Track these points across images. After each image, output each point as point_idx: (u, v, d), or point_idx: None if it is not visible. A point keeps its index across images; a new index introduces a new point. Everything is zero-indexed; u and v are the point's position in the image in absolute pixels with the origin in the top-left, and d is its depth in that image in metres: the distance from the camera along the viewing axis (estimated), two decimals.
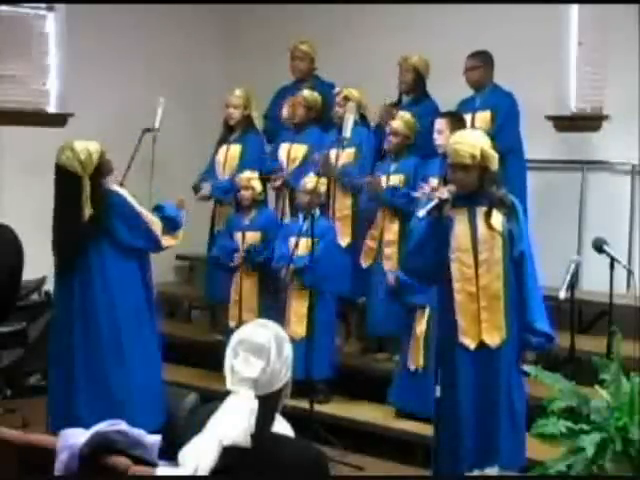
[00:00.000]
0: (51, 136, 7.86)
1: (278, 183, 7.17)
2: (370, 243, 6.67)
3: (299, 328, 6.33)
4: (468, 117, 6.59)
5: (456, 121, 6.11)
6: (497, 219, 4.66)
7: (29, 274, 6.99)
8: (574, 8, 7.25)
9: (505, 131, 6.51)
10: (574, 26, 7.27)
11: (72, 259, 5.27)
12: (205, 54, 8.83)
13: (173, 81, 8.37)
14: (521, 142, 6.61)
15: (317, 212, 6.45)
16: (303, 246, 6.25)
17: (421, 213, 4.61)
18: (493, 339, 4.68)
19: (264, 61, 8.40)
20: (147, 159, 6.94)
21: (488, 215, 4.66)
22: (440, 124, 6.11)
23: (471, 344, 4.72)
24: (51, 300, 7.47)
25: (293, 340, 6.01)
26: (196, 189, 7.31)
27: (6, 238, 6.80)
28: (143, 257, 5.45)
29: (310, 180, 6.45)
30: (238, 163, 7.18)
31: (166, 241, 5.45)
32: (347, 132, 6.28)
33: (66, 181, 5.22)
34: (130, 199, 5.31)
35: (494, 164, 4.65)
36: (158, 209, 5.51)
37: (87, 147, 5.22)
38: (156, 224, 5.37)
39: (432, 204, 4.59)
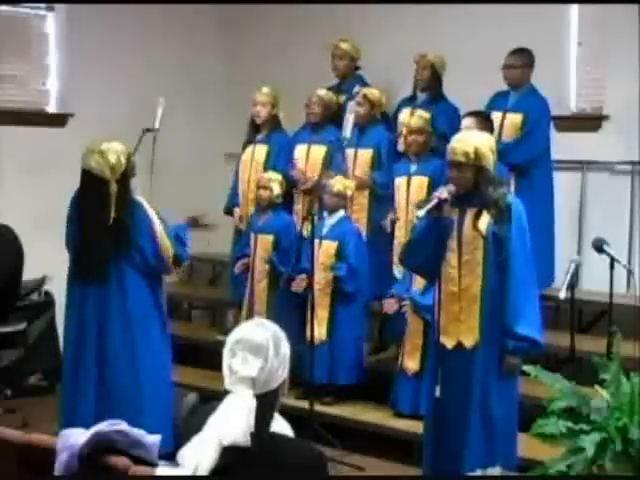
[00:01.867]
0: (51, 136, 7.90)
1: (310, 184, 6.94)
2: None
3: (321, 331, 6.31)
4: (498, 115, 6.57)
5: (484, 120, 6.03)
6: (484, 221, 4.65)
7: (29, 274, 7.00)
8: (574, 8, 7.24)
9: (533, 137, 6.51)
10: (574, 26, 7.27)
11: (97, 265, 5.12)
12: (205, 54, 8.82)
13: (173, 81, 8.37)
14: (549, 148, 6.61)
15: (341, 213, 6.46)
16: (325, 249, 6.24)
17: (421, 213, 4.62)
18: (467, 340, 4.70)
19: (264, 61, 8.40)
20: (147, 159, 6.94)
21: (477, 216, 4.65)
22: (468, 122, 5.97)
23: (449, 344, 4.74)
24: (51, 300, 7.50)
25: (315, 344, 6.08)
26: (228, 211, 7.27)
27: (6, 238, 6.81)
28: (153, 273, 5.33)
29: (336, 183, 6.43)
30: (264, 164, 7.09)
31: (174, 272, 5.36)
32: (347, 132, 6.27)
33: (94, 185, 5.08)
34: (153, 215, 5.18)
35: (490, 164, 4.64)
36: (177, 240, 5.33)
37: (116, 150, 5.09)
38: (169, 252, 5.22)
39: (431, 204, 4.60)
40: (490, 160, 4.65)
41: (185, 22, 8.66)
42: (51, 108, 8.18)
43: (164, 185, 7.09)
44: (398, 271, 6.51)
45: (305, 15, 8.25)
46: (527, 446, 4.54)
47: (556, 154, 6.79)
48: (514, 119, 6.58)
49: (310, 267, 6.07)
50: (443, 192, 4.62)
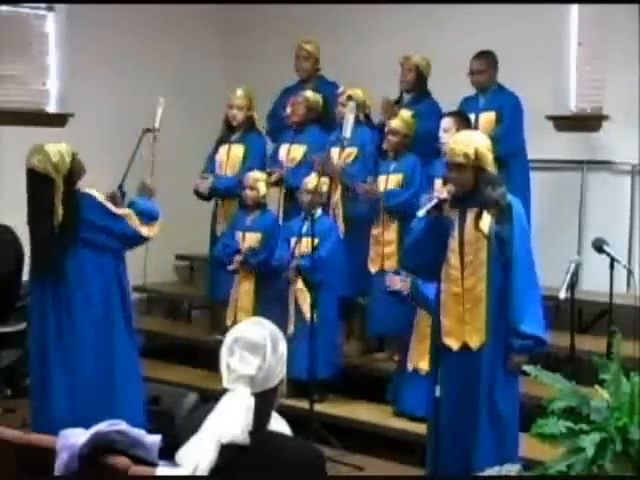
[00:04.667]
0: (51, 136, 7.85)
1: (274, 178, 7.13)
2: (376, 248, 6.64)
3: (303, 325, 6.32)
4: (471, 117, 6.59)
5: (463, 120, 6.08)
6: (486, 221, 4.65)
7: (29, 274, 6.98)
8: (574, 8, 7.25)
9: (509, 133, 6.52)
10: (574, 26, 7.28)
11: (47, 266, 5.09)
12: (205, 54, 8.83)
13: (173, 81, 8.37)
14: (524, 143, 6.62)
15: (319, 211, 6.47)
16: (304, 246, 6.26)
17: (421, 213, 4.62)
18: (474, 341, 4.70)
19: (264, 61, 8.40)
20: (147, 159, 6.94)
21: (478, 217, 4.65)
22: (447, 123, 6.03)
23: (454, 345, 4.74)
24: None
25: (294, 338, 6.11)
26: (197, 191, 7.33)
27: (6, 238, 6.80)
28: (119, 257, 5.27)
29: (311, 180, 6.46)
30: (241, 163, 7.19)
31: (147, 231, 5.25)
32: (347, 132, 6.28)
33: (39, 185, 5.07)
34: (102, 199, 5.15)
35: (489, 164, 4.65)
36: (131, 205, 5.32)
37: (59, 149, 5.07)
38: (132, 218, 5.18)
39: (431, 204, 4.60)
40: (489, 160, 4.65)
41: (185, 22, 8.66)
42: (51, 108, 8.19)
43: (164, 185, 7.07)
44: (372, 267, 6.60)
45: (304, 16, 8.25)
46: (527, 446, 4.54)
47: (556, 154, 6.79)
48: (488, 117, 6.61)
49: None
50: (443, 192, 4.62)
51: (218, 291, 7.13)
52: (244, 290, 6.77)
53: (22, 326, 7.08)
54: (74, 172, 5.09)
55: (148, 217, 5.28)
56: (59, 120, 8.07)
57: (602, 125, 7.08)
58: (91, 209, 5.10)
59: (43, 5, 8.08)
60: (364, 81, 7.30)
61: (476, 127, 6.53)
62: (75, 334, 5.10)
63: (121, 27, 8.23)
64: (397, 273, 6.13)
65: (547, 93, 6.84)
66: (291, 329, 6.40)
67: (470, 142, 4.65)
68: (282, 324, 6.25)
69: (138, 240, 5.31)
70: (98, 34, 8.08)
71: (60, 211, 5.00)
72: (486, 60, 6.69)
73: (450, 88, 6.98)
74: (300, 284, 6.40)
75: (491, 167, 4.66)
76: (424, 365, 5.98)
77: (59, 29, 8.10)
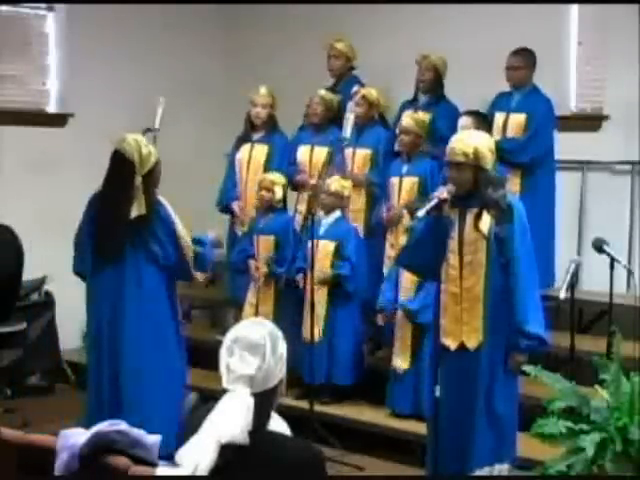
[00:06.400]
0: (51, 136, 7.90)
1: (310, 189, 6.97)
2: (390, 252, 6.59)
3: (318, 330, 6.30)
4: (501, 115, 6.62)
5: (481, 119, 6.03)
6: (485, 221, 4.65)
7: (29, 274, 6.99)
8: (574, 8, 7.25)
9: (539, 137, 6.52)
10: (574, 26, 7.27)
11: (111, 248, 5.14)
12: (205, 54, 8.82)
13: (173, 81, 8.36)
14: (552, 149, 6.62)
15: (338, 213, 6.46)
16: (323, 249, 6.24)
17: (420, 213, 4.62)
18: (471, 341, 4.70)
19: (264, 61, 8.40)
20: None
21: (477, 217, 4.65)
22: (465, 121, 5.98)
23: (452, 345, 4.74)
24: (51, 300, 7.50)
25: (311, 343, 6.09)
26: (220, 205, 7.24)
27: (6, 238, 6.80)
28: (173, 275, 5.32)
29: (333, 182, 6.44)
30: (265, 163, 7.09)
31: (197, 275, 5.30)
32: (347, 132, 6.27)
33: (121, 167, 5.12)
34: (174, 216, 5.20)
35: (488, 164, 4.64)
36: (197, 243, 5.32)
37: (150, 147, 5.18)
38: (189, 253, 5.20)
39: (431, 204, 4.60)
40: (489, 160, 4.64)
41: (185, 22, 8.66)
42: (51, 108, 8.18)
43: (164, 185, 7.06)
44: (386, 271, 6.55)
45: (305, 15, 8.25)
46: (527, 446, 4.54)
47: (556, 154, 6.79)
48: (518, 119, 6.59)
49: (310, 266, 6.08)
50: (443, 192, 4.62)
51: (240, 293, 6.97)
52: (265, 295, 6.71)
53: (22, 326, 7.09)
54: (153, 174, 5.17)
55: (199, 265, 5.29)
56: (59, 120, 8.07)
57: (602, 125, 7.07)
58: (160, 219, 5.13)
59: (43, 5, 8.07)
60: (364, 81, 7.31)
61: (505, 126, 6.53)
62: (123, 328, 5.15)
63: (121, 26, 8.22)
64: (381, 310, 6.16)
65: (547, 93, 6.83)
66: (308, 334, 6.34)
67: (470, 141, 4.65)
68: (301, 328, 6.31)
69: (183, 273, 5.29)
70: (98, 34, 8.07)
71: (138, 206, 5.06)
72: (524, 58, 6.64)
73: (448, 88, 6.99)
74: (321, 290, 6.33)
75: (491, 167, 4.66)
76: (403, 364, 6.05)
77: (59, 29, 8.09)
